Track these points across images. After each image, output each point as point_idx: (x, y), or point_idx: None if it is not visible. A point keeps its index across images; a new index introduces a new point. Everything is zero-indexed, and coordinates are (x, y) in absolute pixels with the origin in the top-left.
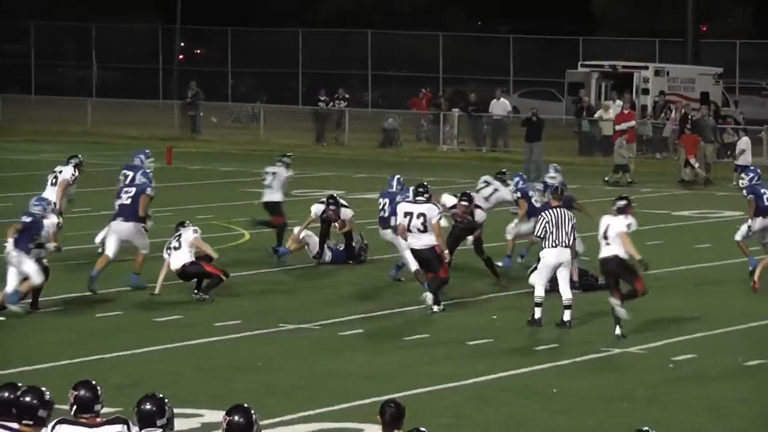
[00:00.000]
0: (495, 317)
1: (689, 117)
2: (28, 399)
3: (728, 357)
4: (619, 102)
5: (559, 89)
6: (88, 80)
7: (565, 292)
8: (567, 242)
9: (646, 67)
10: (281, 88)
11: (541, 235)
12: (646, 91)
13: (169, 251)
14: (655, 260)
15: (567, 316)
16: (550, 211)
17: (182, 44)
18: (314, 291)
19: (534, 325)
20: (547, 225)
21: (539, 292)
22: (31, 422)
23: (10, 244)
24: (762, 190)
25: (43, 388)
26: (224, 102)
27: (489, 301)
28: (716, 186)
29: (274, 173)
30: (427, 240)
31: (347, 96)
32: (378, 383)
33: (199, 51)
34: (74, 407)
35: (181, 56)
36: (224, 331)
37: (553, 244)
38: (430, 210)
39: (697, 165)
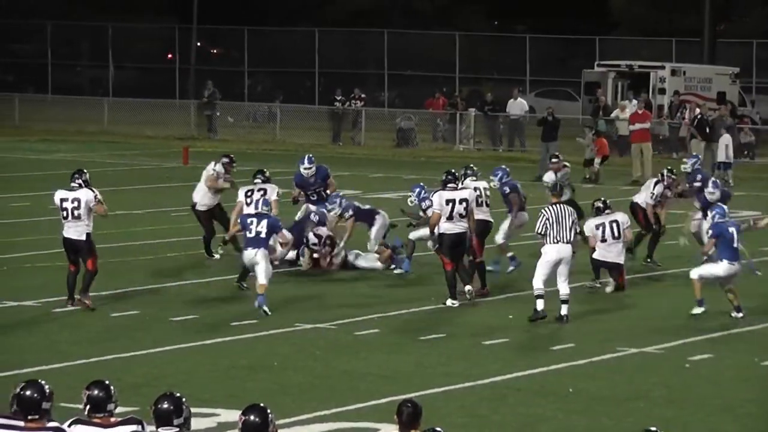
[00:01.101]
0: (511, 317)
1: (705, 117)
2: (29, 393)
3: (744, 357)
4: (635, 101)
5: (576, 89)
6: (105, 80)
7: (563, 288)
8: (567, 238)
9: (663, 67)
10: (297, 88)
11: (542, 232)
12: (662, 91)
13: (249, 198)
14: (670, 260)
15: (564, 310)
16: (551, 207)
17: (198, 44)
18: (330, 290)
19: (538, 317)
20: (547, 221)
21: (538, 284)
22: (37, 416)
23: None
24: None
25: (41, 381)
26: (240, 101)
27: (505, 300)
28: (733, 186)
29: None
30: (463, 225)
31: (363, 96)
32: (394, 383)
33: (215, 51)
34: (87, 407)
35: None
36: (240, 331)
37: (554, 240)
38: (471, 194)
39: (597, 167)
